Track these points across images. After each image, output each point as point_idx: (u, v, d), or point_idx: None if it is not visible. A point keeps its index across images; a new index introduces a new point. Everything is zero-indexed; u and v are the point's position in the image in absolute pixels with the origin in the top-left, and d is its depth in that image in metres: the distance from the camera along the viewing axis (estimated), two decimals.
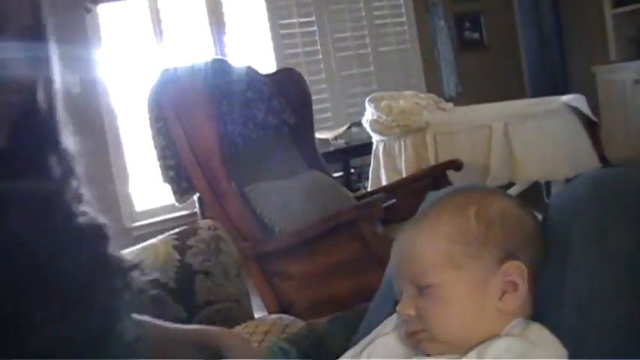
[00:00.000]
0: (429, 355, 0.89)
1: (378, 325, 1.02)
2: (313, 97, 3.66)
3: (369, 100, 4.61)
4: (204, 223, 1.86)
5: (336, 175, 4.13)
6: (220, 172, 2.87)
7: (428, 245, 0.91)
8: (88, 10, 4.73)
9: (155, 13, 5.05)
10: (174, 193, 3.12)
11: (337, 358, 1.02)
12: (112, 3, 4.87)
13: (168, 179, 3.11)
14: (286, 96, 3.38)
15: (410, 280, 0.91)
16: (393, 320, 0.99)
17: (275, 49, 5.50)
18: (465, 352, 0.85)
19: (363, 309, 1.16)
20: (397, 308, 0.92)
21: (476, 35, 6.54)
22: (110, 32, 4.93)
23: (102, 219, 0.89)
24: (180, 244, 1.70)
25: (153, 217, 4.88)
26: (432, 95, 4.99)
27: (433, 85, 6.16)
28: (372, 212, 2.64)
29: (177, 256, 1.65)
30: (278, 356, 1.08)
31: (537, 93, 6.16)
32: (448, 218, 0.92)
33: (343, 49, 5.82)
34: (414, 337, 0.90)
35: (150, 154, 3.24)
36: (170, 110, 2.91)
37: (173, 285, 1.60)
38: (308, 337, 1.23)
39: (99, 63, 4.82)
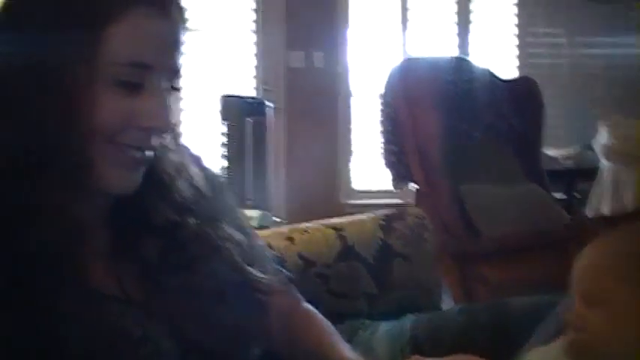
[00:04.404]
0: None
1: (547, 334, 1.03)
2: (549, 112, 3.59)
3: (604, 123, 4.42)
4: (412, 210, 1.92)
5: (558, 196, 4.01)
6: (438, 165, 2.91)
7: (606, 259, 0.90)
8: None
9: (405, 2, 5.14)
10: (393, 178, 3.20)
11: None
12: None
13: (389, 164, 3.19)
14: (519, 104, 3.34)
15: (582, 290, 0.91)
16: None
17: (519, 56, 5.41)
18: None
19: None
20: (564, 313, 0.92)
21: None
22: (358, 14, 5.09)
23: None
24: (387, 224, 1.75)
25: (369, 198, 4.97)
26: None
27: None
28: (584, 236, 2.57)
29: (380, 235, 1.71)
30: None
31: None
32: (634, 237, 0.91)
33: (591, 67, 5.60)
34: (575, 345, 0.90)
35: (376, 136, 3.34)
36: (402, 97, 2.99)
37: (371, 260, 1.66)
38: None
39: (344, 43, 5.01)
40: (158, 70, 0.93)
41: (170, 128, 0.96)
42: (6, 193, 0.86)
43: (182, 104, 4.70)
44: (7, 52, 0.91)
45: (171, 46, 0.95)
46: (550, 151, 4.60)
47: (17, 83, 0.88)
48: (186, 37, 0.97)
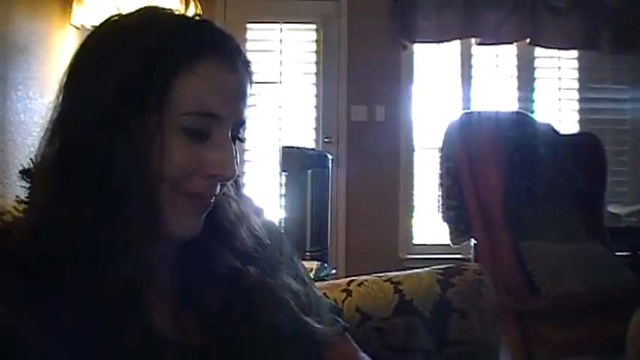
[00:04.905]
0: None
1: None
2: (613, 168, 3.54)
3: None
4: (470, 265, 1.91)
5: (621, 253, 3.93)
6: (499, 222, 2.90)
7: None
8: (404, 47, 4.99)
9: (467, 58, 5.18)
10: (451, 233, 3.20)
11: None
12: (427, 44, 5.07)
13: (447, 219, 3.19)
14: (581, 160, 3.31)
15: (637, 347, 0.90)
16: None
17: (580, 111, 5.35)
18: None
19: None
20: None
21: None
22: (422, 70, 5.15)
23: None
24: (444, 279, 1.75)
25: (428, 253, 4.92)
26: None
27: None
28: None
29: (438, 290, 1.70)
30: None
31: None
32: None
33: None
34: None
35: (436, 191, 3.34)
36: (463, 152, 2.99)
37: (428, 315, 1.65)
38: None
39: (406, 97, 5.04)
40: (224, 119, 0.96)
41: (234, 177, 0.99)
42: (78, 234, 0.89)
43: (246, 155, 4.79)
44: (80, 99, 0.95)
45: (237, 97, 0.98)
46: (613, 209, 4.53)
47: (91, 130, 0.91)
48: (252, 90, 1.01)
